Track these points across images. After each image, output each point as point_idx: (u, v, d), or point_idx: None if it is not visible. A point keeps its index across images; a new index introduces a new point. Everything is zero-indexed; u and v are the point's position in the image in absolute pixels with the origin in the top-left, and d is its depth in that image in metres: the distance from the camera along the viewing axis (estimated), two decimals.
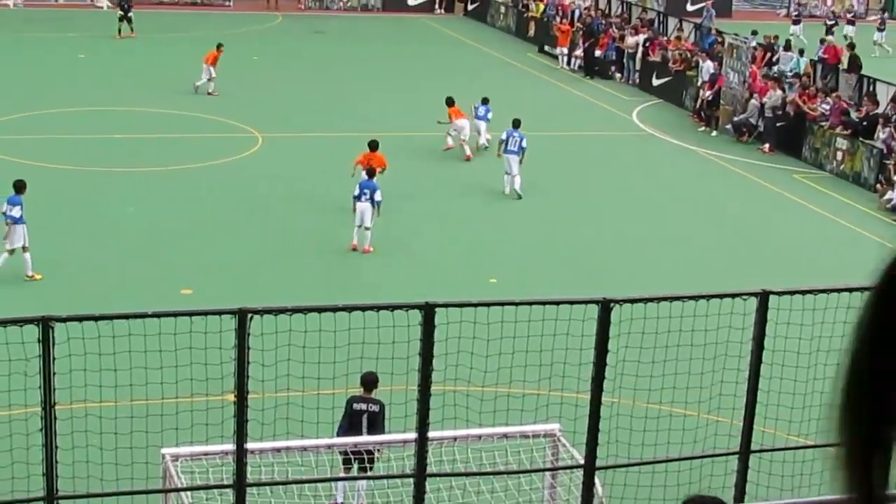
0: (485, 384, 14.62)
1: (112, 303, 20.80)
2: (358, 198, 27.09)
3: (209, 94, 41.37)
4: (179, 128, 36.94)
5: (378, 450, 15.61)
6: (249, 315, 12.84)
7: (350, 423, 16.05)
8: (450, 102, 36.19)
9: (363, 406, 15.91)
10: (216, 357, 13.56)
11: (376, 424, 15.92)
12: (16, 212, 24.05)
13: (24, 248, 24.00)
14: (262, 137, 36.15)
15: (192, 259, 25.70)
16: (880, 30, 60.11)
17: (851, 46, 49.55)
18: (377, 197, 27.15)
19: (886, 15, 66.65)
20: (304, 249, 26.86)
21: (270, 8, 63.93)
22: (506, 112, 36.33)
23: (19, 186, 24.61)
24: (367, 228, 26.95)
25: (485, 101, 36.53)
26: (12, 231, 24.05)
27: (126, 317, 13.24)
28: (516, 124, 32.64)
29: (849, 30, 60.07)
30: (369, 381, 15.91)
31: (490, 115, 36.02)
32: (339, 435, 15.97)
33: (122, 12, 53.25)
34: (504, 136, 32.55)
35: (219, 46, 42.22)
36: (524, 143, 31.93)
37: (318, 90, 43.42)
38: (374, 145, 29.80)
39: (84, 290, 23.17)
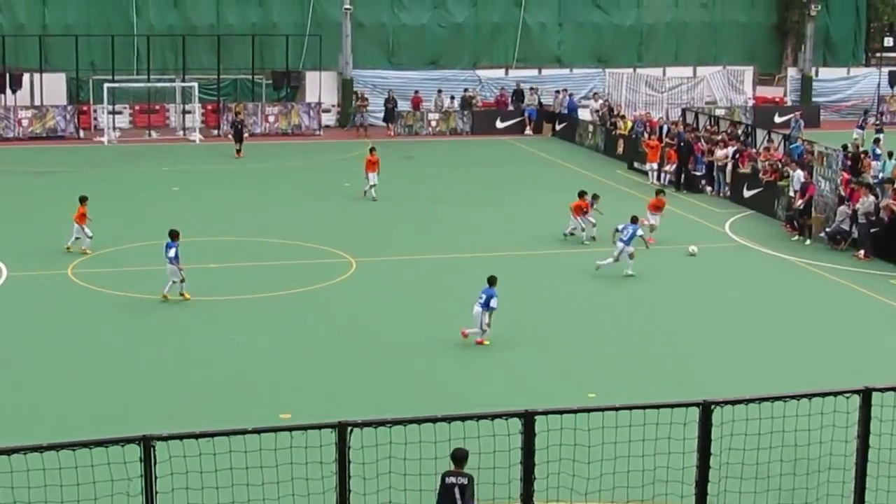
0: (587, 491, 14.50)
1: (211, 427, 20.84)
2: (484, 303, 28.13)
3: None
4: (274, 255, 37.29)
5: None
6: (349, 428, 12.88)
7: (443, 497, 15.94)
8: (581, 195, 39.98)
9: (454, 479, 15.79)
10: (317, 472, 13.61)
11: (466, 496, 15.83)
12: (171, 253, 31.17)
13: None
14: (356, 262, 36.39)
15: (291, 384, 25.76)
16: None
17: None
18: (493, 304, 27.99)
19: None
20: (400, 370, 26.85)
21: (360, 136, 64.77)
22: (600, 228, 36.48)
23: (174, 234, 31.54)
24: (482, 329, 28.24)
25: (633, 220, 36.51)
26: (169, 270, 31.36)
27: (227, 433, 13.27)
28: (634, 220, 35.95)
29: None
30: (460, 457, 15.75)
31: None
32: None
33: (235, 136, 58.31)
34: (621, 227, 35.37)
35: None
36: (638, 232, 35.33)
37: (408, 214, 43.81)
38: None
39: (182, 417, 23.28)
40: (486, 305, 28.06)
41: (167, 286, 31.64)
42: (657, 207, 40.62)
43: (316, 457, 13.42)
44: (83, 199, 37.16)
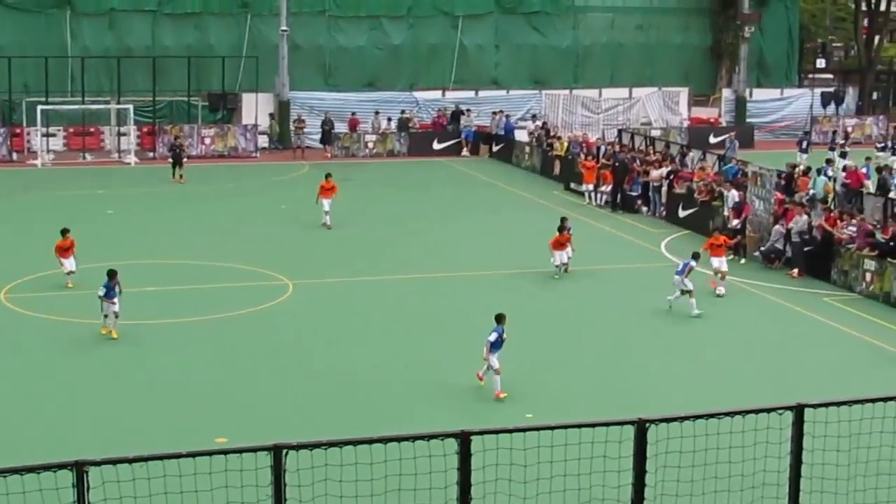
0: None
1: (146, 452, 20.68)
2: (496, 346, 26.49)
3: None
4: (211, 279, 37.13)
5: None
6: (285, 451, 12.81)
7: None
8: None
9: None
10: (253, 496, 13.53)
11: None
12: (101, 291, 30.32)
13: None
14: (293, 284, 36.31)
15: (227, 408, 25.63)
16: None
17: (881, 169, 49.78)
18: (491, 338, 26.41)
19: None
20: (337, 392, 26.77)
21: (297, 158, 64.69)
22: (536, 250, 36.54)
23: (110, 274, 30.41)
24: (494, 371, 26.25)
25: None
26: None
27: (161, 458, 13.15)
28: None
29: (882, 156, 60.14)
30: None
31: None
32: None
33: (173, 160, 57.28)
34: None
35: None
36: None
37: (346, 236, 43.75)
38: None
39: (116, 442, 23.07)
40: (497, 347, 26.48)
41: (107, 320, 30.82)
42: (560, 244, 38.46)
43: (252, 480, 13.33)
44: (64, 232, 36.35)
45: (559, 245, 38.08)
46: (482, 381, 26.67)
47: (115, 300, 30.36)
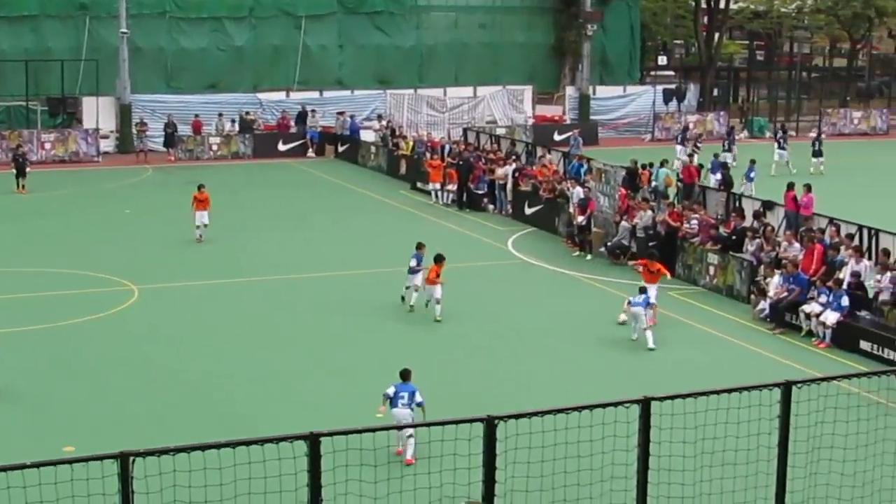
0: None
1: None
2: (394, 403, 22.50)
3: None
4: (53, 286, 36.52)
5: None
6: (132, 458, 12.63)
7: None
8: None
9: None
10: None
11: None
12: None
13: None
14: (138, 290, 35.87)
15: (74, 417, 25.23)
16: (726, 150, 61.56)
17: (725, 166, 50.75)
18: (418, 398, 22.50)
19: (745, 135, 68.47)
20: (186, 398, 26.51)
21: (140, 161, 63.88)
22: (384, 250, 36.47)
23: None
24: (409, 436, 21.67)
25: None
26: None
27: (4, 469, 12.91)
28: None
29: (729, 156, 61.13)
30: None
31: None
32: None
33: (16, 170, 55.28)
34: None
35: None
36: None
37: (191, 241, 43.23)
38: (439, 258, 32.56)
39: None
40: (411, 405, 22.43)
41: None
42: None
43: (99, 489, 13.13)
44: None
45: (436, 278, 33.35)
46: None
47: None
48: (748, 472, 15.64)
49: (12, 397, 26.22)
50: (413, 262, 33.90)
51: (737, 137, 68.38)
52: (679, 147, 62.91)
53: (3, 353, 28.29)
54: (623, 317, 32.25)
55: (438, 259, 33.44)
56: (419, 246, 34.46)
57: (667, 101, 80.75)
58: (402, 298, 34.27)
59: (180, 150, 66.34)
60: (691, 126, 74.10)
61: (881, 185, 58.91)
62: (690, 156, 59.39)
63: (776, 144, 63.75)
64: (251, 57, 72.32)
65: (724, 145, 63.37)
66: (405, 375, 23.03)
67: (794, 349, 30.92)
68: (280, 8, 72.55)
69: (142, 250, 42.02)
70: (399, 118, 71.11)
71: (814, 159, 62.16)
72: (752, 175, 52.57)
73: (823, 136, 66.34)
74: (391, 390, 22.64)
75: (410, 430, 21.29)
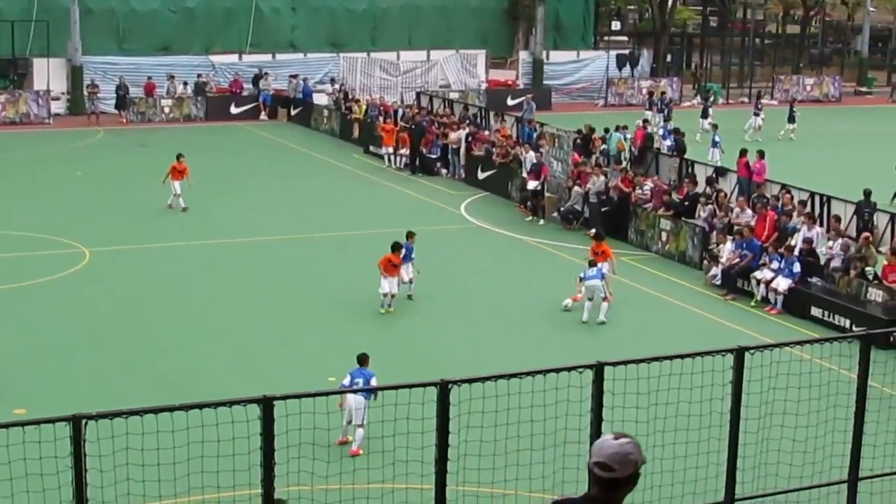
0: (328, 474, 14.49)
1: None
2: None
3: None
4: (1, 247, 36.26)
5: None
6: (84, 421, 12.60)
7: None
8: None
9: None
10: (52, 467, 13.30)
11: None
12: None
13: None
14: (89, 252, 35.68)
15: (25, 379, 25.08)
16: (703, 117, 61.61)
17: (678, 132, 50.78)
18: (374, 383, 20.24)
19: (711, 101, 68.61)
20: (138, 361, 26.42)
21: (91, 123, 63.44)
22: (337, 214, 36.30)
23: None
24: (359, 426, 19.80)
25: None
26: None
27: None
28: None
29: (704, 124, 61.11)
30: None
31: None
32: None
33: None
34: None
35: None
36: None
37: (144, 203, 43.00)
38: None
39: None
40: (367, 394, 19.84)
41: None
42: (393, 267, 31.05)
43: (51, 451, 13.09)
44: None
45: (391, 268, 30.65)
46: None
47: None
48: (700, 437, 15.74)
49: None
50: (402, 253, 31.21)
51: (690, 104, 68.49)
52: (649, 112, 62.91)
53: None
54: (568, 301, 30.77)
55: (395, 247, 30.72)
56: (409, 235, 31.87)
57: (620, 66, 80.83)
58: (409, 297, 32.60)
59: (132, 112, 65.88)
60: (668, 93, 73.88)
61: (834, 151, 59.26)
62: (667, 120, 59.57)
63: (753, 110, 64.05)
64: (203, 19, 71.81)
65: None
66: (362, 360, 21.38)
67: (746, 315, 31.09)
68: None
69: (93, 213, 41.79)
70: (352, 82, 70.90)
71: (788, 125, 62.53)
72: (717, 139, 52.55)
73: (795, 104, 66.27)
74: (346, 380, 20.64)
75: (361, 420, 19.88)
